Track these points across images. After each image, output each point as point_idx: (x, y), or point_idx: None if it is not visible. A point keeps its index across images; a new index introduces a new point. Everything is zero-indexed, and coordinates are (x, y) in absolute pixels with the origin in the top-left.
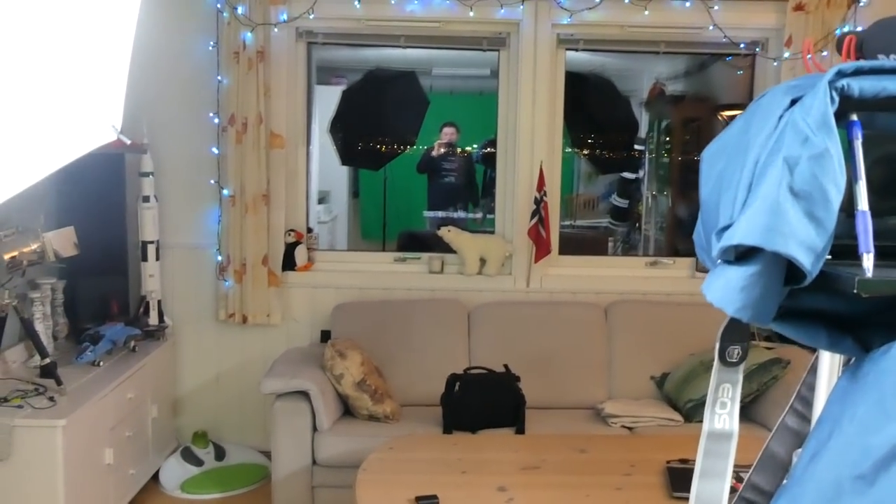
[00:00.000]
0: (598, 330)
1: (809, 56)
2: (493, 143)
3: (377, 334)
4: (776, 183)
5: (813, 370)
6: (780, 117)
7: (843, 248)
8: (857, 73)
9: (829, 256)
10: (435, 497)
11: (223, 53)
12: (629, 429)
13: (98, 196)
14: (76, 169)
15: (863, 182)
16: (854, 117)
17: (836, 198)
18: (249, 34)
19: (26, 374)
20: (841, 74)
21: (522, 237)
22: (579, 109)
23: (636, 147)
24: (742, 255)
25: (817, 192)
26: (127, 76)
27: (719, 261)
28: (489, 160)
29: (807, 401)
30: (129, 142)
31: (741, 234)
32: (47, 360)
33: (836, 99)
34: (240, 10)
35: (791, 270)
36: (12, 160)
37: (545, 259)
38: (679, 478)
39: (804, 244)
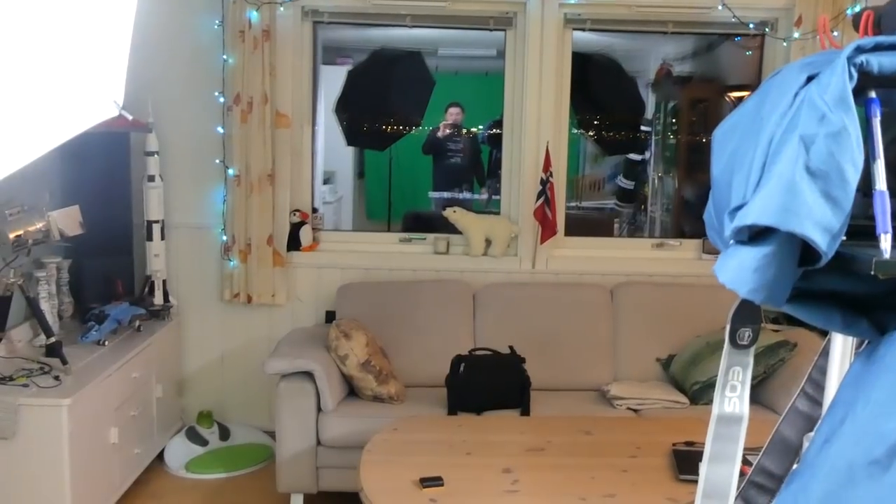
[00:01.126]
0: (604, 311)
1: (821, 31)
2: (498, 124)
3: (382, 315)
4: (792, 162)
5: (824, 353)
6: (796, 95)
7: (860, 228)
8: (877, 48)
9: (845, 237)
10: (439, 478)
11: (228, 32)
12: (635, 411)
13: (103, 175)
14: (81, 148)
15: (881, 161)
16: (873, 94)
17: (854, 177)
18: (255, 13)
19: (32, 353)
20: (860, 50)
21: (528, 218)
22: (586, 90)
23: (642, 128)
24: (756, 235)
25: (834, 172)
26: (128, 53)
27: (732, 241)
28: (495, 140)
29: (818, 384)
30: (130, 118)
31: (755, 214)
32: (53, 340)
33: (855, 75)
34: None
35: (806, 251)
36: (16, 135)
37: (551, 240)
38: (685, 460)
39: (820, 224)
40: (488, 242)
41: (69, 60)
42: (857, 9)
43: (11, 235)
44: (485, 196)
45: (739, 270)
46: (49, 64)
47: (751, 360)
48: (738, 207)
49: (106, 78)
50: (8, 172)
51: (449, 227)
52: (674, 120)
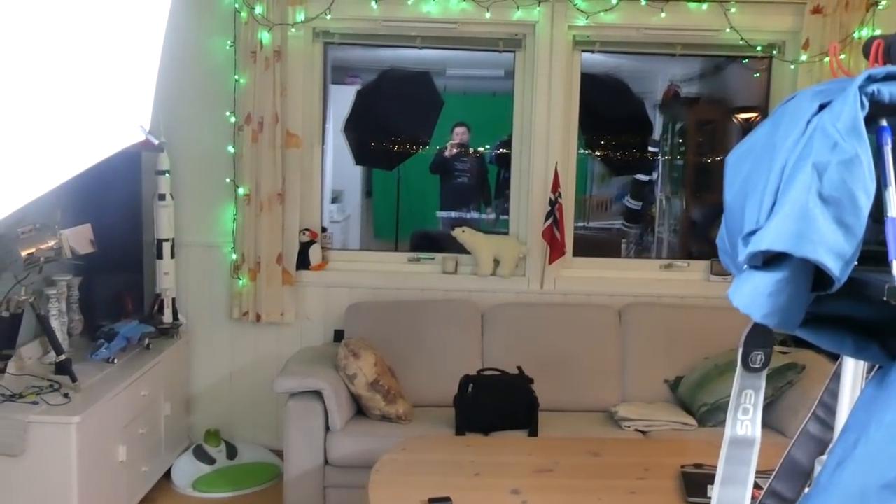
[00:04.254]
0: (612, 332)
1: (832, 58)
2: (506, 144)
3: (390, 334)
4: (805, 188)
5: (836, 377)
6: (809, 122)
7: (872, 253)
8: (888, 78)
9: (857, 262)
10: (448, 499)
11: (240, 53)
12: (643, 433)
13: (115, 194)
14: (94, 167)
15: (892, 188)
16: (884, 122)
17: (866, 204)
18: (267, 34)
19: (41, 370)
20: (871, 79)
21: (537, 238)
22: (593, 110)
23: (650, 149)
24: (770, 260)
25: (847, 198)
26: (156, 77)
27: (746, 266)
28: (502, 160)
29: (829, 408)
30: (157, 142)
31: (769, 240)
32: (62, 357)
33: (866, 104)
34: (257, 10)
35: (818, 276)
36: (43, 158)
37: (559, 261)
38: (693, 483)
39: (833, 250)
40: (497, 262)
41: (97, 84)
42: (864, 32)
43: (24, 253)
44: (492, 216)
45: (754, 295)
46: (77, 87)
47: (763, 384)
48: (752, 232)
49: (134, 102)
50: (37, 195)
51: (457, 247)
52: (681, 141)
